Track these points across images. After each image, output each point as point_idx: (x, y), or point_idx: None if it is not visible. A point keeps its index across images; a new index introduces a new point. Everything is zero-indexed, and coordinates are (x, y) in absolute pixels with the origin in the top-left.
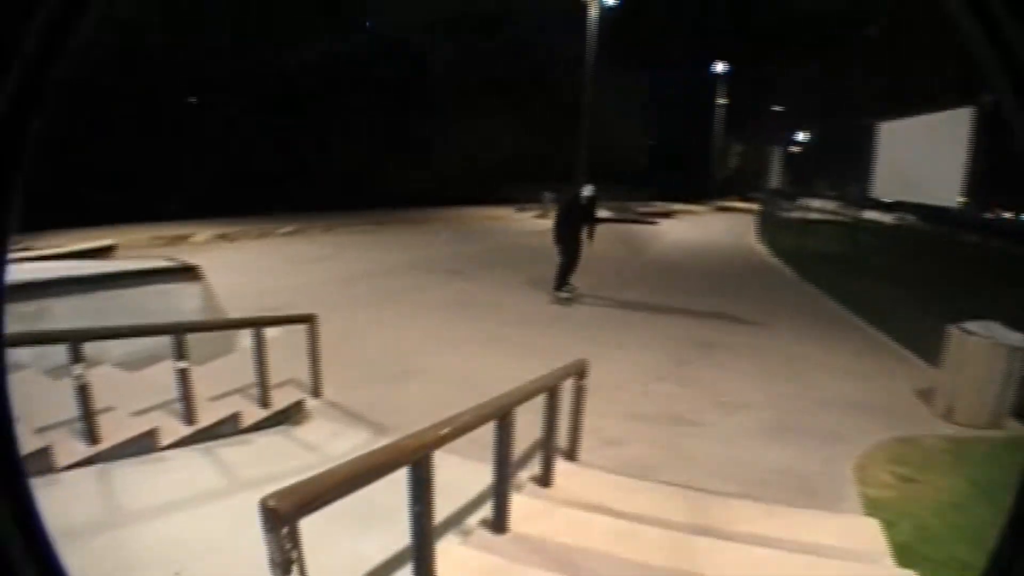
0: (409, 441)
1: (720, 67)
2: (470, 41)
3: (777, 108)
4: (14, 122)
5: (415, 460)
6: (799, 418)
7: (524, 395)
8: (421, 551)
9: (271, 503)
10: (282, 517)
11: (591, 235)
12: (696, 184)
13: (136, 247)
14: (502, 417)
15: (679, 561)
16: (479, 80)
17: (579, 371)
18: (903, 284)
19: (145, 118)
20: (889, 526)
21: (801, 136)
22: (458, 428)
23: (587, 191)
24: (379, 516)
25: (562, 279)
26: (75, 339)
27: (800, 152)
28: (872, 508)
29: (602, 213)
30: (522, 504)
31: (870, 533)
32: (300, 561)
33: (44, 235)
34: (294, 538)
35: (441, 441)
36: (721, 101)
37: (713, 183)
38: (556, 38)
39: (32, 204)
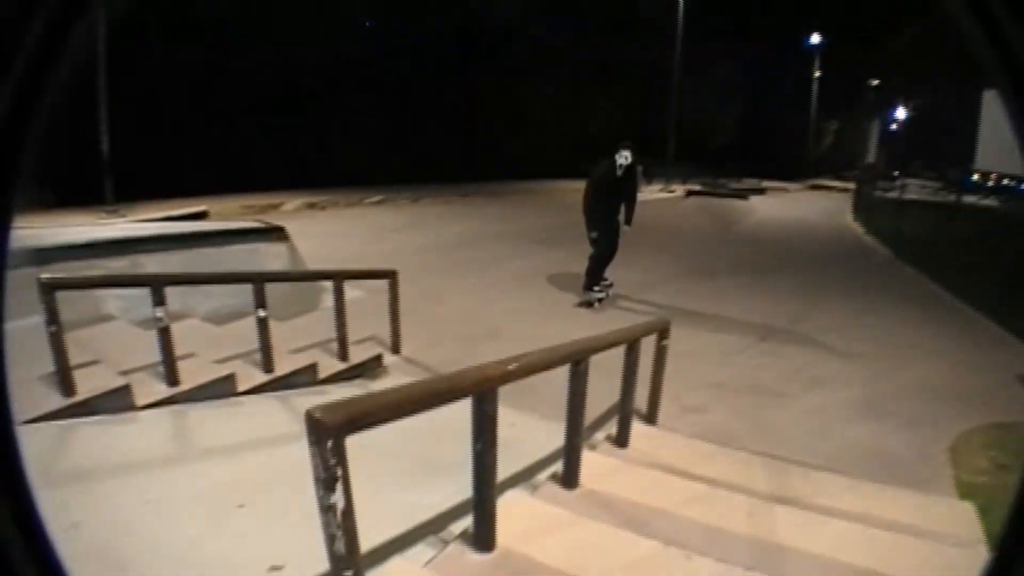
0: (473, 372)
1: (816, 38)
2: (562, 17)
3: (874, 82)
4: (14, 123)
5: (479, 392)
6: (890, 397)
7: (601, 343)
8: (482, 492)
9: (317, 415)
10: (327, 430)
11: (629, 219)
12: (789, 161)
13: (227, 215)
14: (576, 362)
15: (755, 528)
16: (569, 54)
17: (661, 329)
18: (1008, 267)
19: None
20: (983, 512)
21: (899, 111)
22: (526, 366)
23: (622, 158)
24: (446, 470)
25: (594, 275)
26: (157, 283)
27: (898, 128)
28: (965, 493)
29: (694, 186)
30: (595, 461)
31: (964, 517)
32: (345, 479)
33: (138, 205)
34: (340, 453)
35: (507, 376)
36: (817, 74)
37: (807, 160)
38: (646, 10)
39: (126, 176)
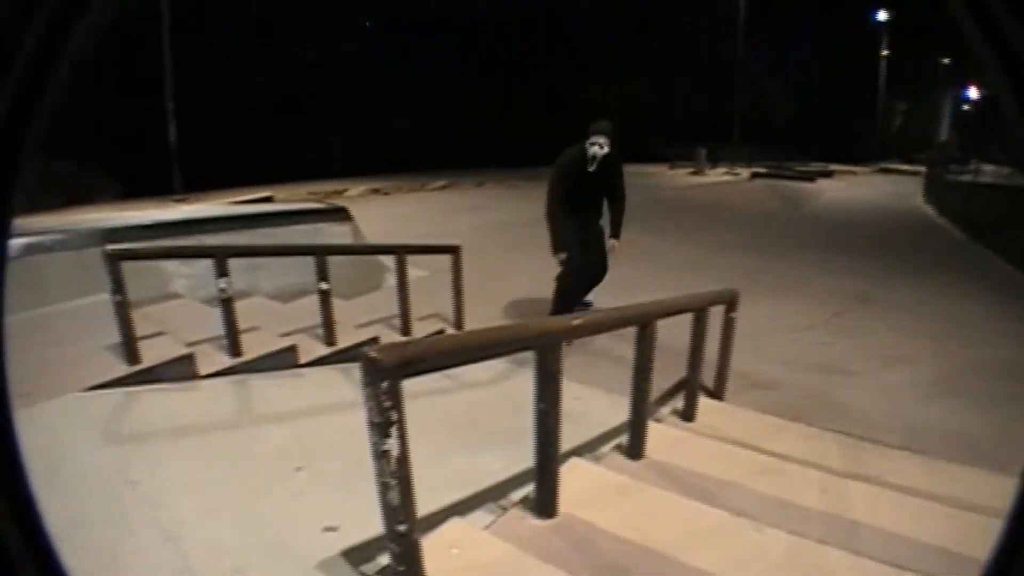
0: (535, 324)
1: (883, 15)
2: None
3: (945, 61)
4: (14, 123)
5: (540, 346)
6: (965, 377)
7: (668, 308)
8: (545, 454)
9: (372, 354)
10: (382, 369)
11: (616, 230)
12: (856, 145)
13: (293, 201)
14: (643, 325)
15: (827, 503)
16: (631, 38)
17: (729, 300)
18: None
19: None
20: None
21: (972, 91)
22: (591, 324)
23: (597, 147)
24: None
25: (567, 299)
26: (221, 254)
27: (970, 109)
28: None
29: (759, 168)
30: (661, 433)
31: None
32: (401, 424)
33: (204, 193)
34: (395, 396)
35: (570, 332)
36: (885, 53)
37: (875, 144)
38: None
39: (194, 166)
